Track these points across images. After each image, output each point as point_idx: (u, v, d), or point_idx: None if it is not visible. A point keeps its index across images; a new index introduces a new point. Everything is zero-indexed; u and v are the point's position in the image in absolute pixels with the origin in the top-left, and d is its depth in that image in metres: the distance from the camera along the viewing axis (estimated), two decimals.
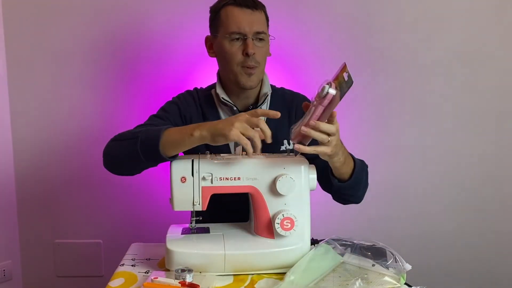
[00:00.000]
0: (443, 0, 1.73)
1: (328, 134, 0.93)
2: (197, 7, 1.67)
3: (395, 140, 1.81)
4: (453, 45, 1.75)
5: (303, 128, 0.93)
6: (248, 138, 0.92)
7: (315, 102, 0.94)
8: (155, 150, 0.99)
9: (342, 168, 1.07)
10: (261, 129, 0.94)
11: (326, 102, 0.92)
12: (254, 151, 0.93)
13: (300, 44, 1.74)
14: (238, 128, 0.91)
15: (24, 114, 1.79)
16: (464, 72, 1.77)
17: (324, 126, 0.92)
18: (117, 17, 1.73)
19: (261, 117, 0.96)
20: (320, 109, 0.93)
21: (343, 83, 0.90)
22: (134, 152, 1.02)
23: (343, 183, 1.11)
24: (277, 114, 0.95)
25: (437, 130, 1.80)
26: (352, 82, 0.89)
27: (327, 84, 0.92)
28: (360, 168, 1.12)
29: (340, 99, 0.90)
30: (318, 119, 0.93)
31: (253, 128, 0.93)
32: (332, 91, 0.91)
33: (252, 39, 1.18)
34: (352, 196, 1.20)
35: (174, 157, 1.03)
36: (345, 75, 0.90)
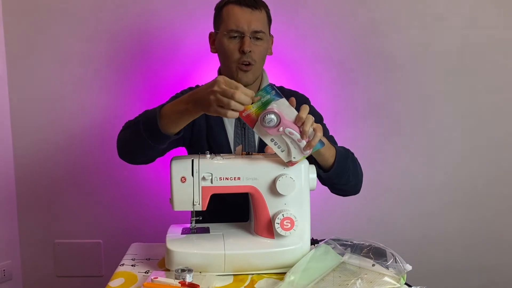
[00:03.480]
0: (444, 0, 1.73)
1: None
2: (199, 6, 1.68)
3: (395, 140, 1.81)
4: (453, 45, 1.75)
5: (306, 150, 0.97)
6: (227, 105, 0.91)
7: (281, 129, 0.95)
8: (156, 130, 1.00)
9: (325, 155, 1.08)
10: (241, 94, 0.91)
11: (286, 122, 0.95)
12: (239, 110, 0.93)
13: (300, 44, 1.74)
14: (214, 103, 0.92)
15: (24, 114, 1.79)
16: (465, 72, 1.77)
17: (306, 127, 0.95)
18: (117, 16, 1.73)
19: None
20: (290, 126, 0.95)
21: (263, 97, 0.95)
22: (139, 137, 1.03)
23: (328, 172, 1.11)
24: (252, 94, 0.93)
25: (437, 130, 1.80)
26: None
27: (270, 114, 0.94)
28: (342, 155, 1.13)
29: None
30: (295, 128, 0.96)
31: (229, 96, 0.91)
32: (273, 117, 0.94)
33: (250, 38, 1.20)
34: (345, 185, 1.19)
35: (179, 133, 1.04)
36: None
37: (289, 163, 1.00)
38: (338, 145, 1.29)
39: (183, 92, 1.32)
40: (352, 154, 1.22)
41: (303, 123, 0.95)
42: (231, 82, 0.93)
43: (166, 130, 1.01)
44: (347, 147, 1.27)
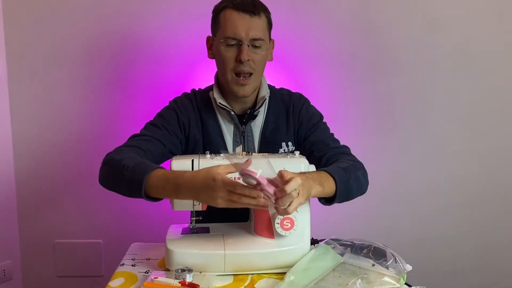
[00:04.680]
0: (444, 0, 1.73)
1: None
2: (196, 7, 1.68)
3: (395, 140, 1.81)
4: (454, 45, 1.75)
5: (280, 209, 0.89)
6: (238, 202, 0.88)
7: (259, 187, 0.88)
8: (138, 192, 0.97)
9: (324, 194, 1.02)
10: (245, 195, 0.87)
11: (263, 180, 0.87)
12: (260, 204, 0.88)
13: (300, 44, 1.74)
14: (223, 200, 0.88)
15: (24, 114, 1.79)
16: (464, 72, 1.77)
17: (289, 188, 0.86)
18: (117, 18, 1.73)
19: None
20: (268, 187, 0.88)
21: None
22: (122, 186, 1.02)
23: (332, 202, 1.07)
24: (260, 195, 0.87)
25: (437, 130, 1.80)
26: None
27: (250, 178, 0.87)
28: (342, 181, 1.04)
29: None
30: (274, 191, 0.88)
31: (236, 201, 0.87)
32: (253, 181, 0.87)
33: (248, 46, 1.15)
34: (353, 198, 1.14)
35: (160, 199, 1.00)
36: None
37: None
38: (339, 143, 1.28)
39: (176, 101, 1.27)
40: (355, 168, 1.12)
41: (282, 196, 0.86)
42: (229, 183, 0.87)
43: (148, 194, 0.98)
44: (348, 148, 1.26)
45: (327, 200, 1.06)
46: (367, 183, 1.17)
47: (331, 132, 1.30)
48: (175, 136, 1.22)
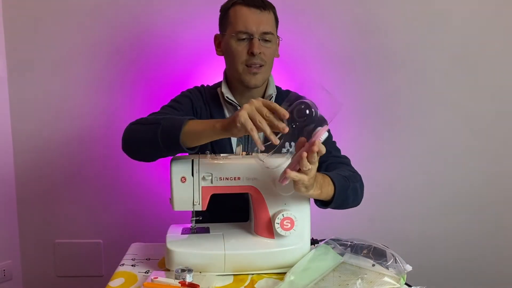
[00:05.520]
0: (444, 0, 1.73)
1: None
2: (201, 6, 1.68)
3: (395, 140, 1.81)
4: (454, 45, 1.75)
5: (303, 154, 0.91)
6: (255, 125, 0.87)
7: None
8: (175, 138, 0.96)
9: (320, 197, 1.03)
10: (276, 110, 0.88)
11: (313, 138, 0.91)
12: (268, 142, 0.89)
13: (300, 44, 1.74)
14: (247, 110, 0.87)
15: (24, 114, 1.79)
16: (464, 72, 1.77)
17: (321, 147, 0.91)
18: (118, 16, 1.73)
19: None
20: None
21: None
22: (153, 138, 0.99)
23: (327, 206, 1.07)
24: (286, 115, 0.88)
25: (437, 130, 1.80)
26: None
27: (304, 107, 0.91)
28: (341, 187, 1.06)
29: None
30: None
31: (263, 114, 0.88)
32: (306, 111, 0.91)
33: (259, 39, 1.18)
34: (346, 207, 1.15)
35: (193, 149, 1.00)
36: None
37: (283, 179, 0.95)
38: (338, 146, 1.29)
39: (190, 91, 1.30)
40: (354, 179, 1.13)
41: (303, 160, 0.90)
42: (268, 101, 0.89)
43: (184, 143, 0.97)
44: (348, 159, 1.26)
45: (322, 203, 1.07)
46: (362, 195, 1.18)
47: (334, 140, 1.30)
48: None
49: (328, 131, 1.30)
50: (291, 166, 0.93)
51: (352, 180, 1.12)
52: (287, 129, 0.88)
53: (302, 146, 0.93)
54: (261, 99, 0.90)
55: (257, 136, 0.88)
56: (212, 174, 1.02)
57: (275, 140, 0.88)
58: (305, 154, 0.90)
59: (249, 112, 0.87)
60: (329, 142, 1.29)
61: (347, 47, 1.75)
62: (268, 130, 0.87)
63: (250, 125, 0.86)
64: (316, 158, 0.91)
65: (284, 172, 0.92)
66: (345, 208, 1.13)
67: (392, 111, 1.79)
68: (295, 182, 0.93)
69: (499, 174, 1.83)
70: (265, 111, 0.87)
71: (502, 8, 1.74)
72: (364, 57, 1.76)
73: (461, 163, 1.82)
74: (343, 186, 1.07)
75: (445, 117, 1.79)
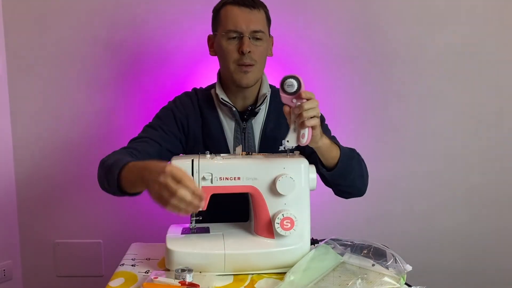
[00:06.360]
0: (444, 0, 1.73)
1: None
2: (197, 7, 1.68)
3: (395, 140, 1.81)
4: (453, 44, 1.75)
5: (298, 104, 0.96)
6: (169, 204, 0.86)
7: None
8: (117, 188, 1.01)
9: (328, 152, 1.08)
10: (188, 188, 0.86)
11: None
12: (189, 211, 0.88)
13: (299, 45, 1.74)
14: (156, 191, 0.87)
15: (24, 114, 1.79)
16: (464, 71, 1.77)
17: (311, 94, 0.97)
18: (117, 17, 1.73)
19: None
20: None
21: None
22: (106, 184, 1.05)
23: (332, 171, 1.10)
24: (197, 190, 0.86)
25: (437, 130, 1.80)
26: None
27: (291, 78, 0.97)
28: (346, 154, 1.11)
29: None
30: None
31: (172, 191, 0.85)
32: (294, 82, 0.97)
33: (249, 38, 1.18)
34: (350, 187, 1.19)
35: (138, 194, 1.02)
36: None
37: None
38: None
39: (175, 101, 1.30)
40: (359, 155, 1.19)
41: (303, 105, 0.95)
42: (178, 174, 0.85)
43: (125, 189, 1.01)
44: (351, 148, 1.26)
45: (327, 169, 1.11)
46: (367, 179, 1.22)
47: (332, 134, 1.30)
48: (172, 135, 1.24)
49: (326, 125, 1.31)
50: (299, 128, 0.97)
51: (357, 156, 1.18)
52: (202, 206, 0.89)
53: (289, 112, 0.99)
54: (169, 171, 0.86)
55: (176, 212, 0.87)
56: (212, 174, 1.02)
57: (201, 207, 0.89)
58: (300, 103, 0.96)
59: (157, 192, 0.86)
60: (327, 136, 1.29)
61: (346, 46, 1.75)
62: (181, 206, 0.86)
63: (165, 203, 0.86)
64: (314, 104, 0.97)
65: (301, 125, 0.96)
66: (350, 183, 1.16)
67: (392, 111, 1.79)
68: (314, 128, 0.97)
69: (499, 174, 1.83)
70: (174, 188, 0.84)
71: (502, 7, 1.73)
72: (363, 56, 1.75)
73: (461, 163, 1.82)
74: (348, 154, 1.13)
75: (445, 117, 1.79)
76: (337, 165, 1.09)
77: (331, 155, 1.08)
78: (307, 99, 0.96)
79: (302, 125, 0.96)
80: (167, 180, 0.85)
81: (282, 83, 0.96)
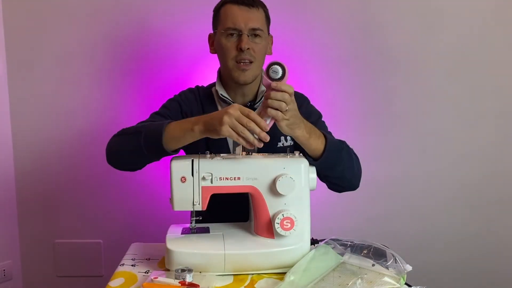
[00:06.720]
0: (443, 0, 1.73)
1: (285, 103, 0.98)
2: (198, 6, 1.68)
3: (395, 140, 1.81)
4: (453, 44, 1.75)
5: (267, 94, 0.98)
6: (239, 135, 0.95)
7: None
8: (158, 144, 1.03)
9: (309, 144, 1.07)
10: (255, 122, 0.95)
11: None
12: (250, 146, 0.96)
13: (300, 44, 1.74)
14: (227, 124, 0.94)
15: (24, 114, 1.79)
16: (464, 71, 1.77)
17: (284, 86, 0.97)
18: (117, 16, 1.73)
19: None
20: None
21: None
22: (137, 147, 1.06)
23: (318, 161, 1.09)
24: (266, 127, 0.96)
25: (436, 129, 1.80)
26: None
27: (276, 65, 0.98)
28: (333, 145, 1.10)
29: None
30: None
31: (244, 124, 0.95)
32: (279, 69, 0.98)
33: (248, 35, 1.20)
34: (340, 179, 1.18)
35: (176, 151, 1.06)
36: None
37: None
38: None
39: (180, 94, 1.33)
40: (348, 147, 1.18)
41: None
42: (244, 109, 0.96)
43: (167, 147, 1.03)
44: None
45: (314, 160, 1.10)
46: (360, 173, 1.21)
47: (329, 131, 1.30)
48: None
49: (323, 122, 1.32)
50: (263, 112, 0.99)
51: (347, 147, 1.17)
52: (268, 138, 0.96)
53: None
54: (238, 106, 0.97)
55: (244, 142, 0.96)
56: (212, 174, 1.02)
57: (259, 144, 0.96)
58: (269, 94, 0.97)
59: (230, 125, 0.94)
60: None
61: (346, 46, 1.75)
62: (251, 138, 0.95)
63: (235, 136, 0.95)
64: (283, 96, 0.97)
65: (263, 111, 0.98)
66: (340, 175, 1.16)
67: (392, 110, 1.79)
68: (276, 120, 0.99)
69: (499, 174, 1.83)
70: (245, 120, 0.95)
71: (502, 7, 1.73)
72: (363, 56, 1.75)
73: (461, 163, 1.82)
74: (335, 144, 1.12)
75: (445, 117, 1.79)
76: (323, 154, 1.08)
77: (311, 148, 1.08)
78: (281, 91, 0.97)
79: (264, 111, 0.98)
80: (237, 112, 0.94)
81: (268, 68, 0.98)
